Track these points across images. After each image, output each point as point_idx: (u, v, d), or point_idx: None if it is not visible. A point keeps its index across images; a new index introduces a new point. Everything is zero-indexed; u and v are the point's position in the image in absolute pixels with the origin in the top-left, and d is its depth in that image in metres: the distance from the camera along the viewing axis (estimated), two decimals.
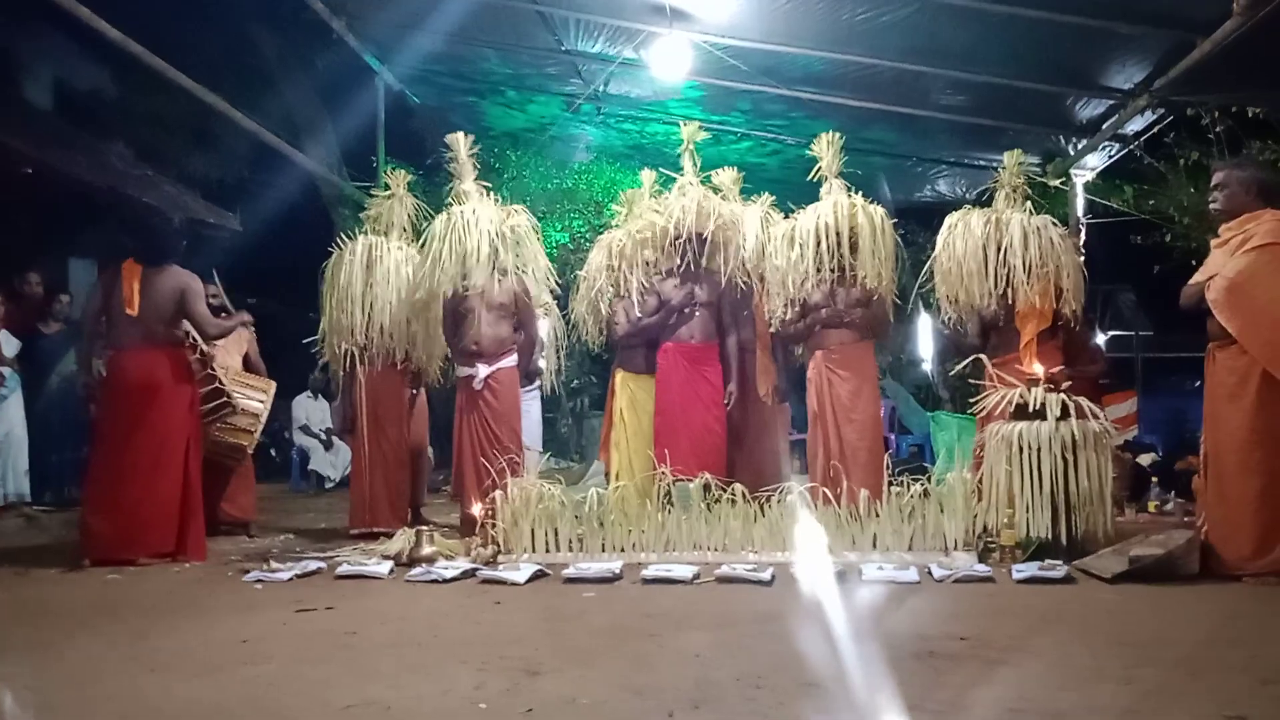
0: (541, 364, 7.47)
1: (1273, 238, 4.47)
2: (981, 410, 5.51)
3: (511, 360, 6.23)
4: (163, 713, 2.71)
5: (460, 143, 6.37)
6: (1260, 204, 4.61)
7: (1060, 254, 5.84)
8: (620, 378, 6.71)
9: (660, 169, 7.00)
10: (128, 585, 4.78)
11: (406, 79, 10.92)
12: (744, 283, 6.45)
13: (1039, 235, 5.83)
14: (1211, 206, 4.76)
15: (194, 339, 5.83)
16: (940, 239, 6.07)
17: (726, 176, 6.83)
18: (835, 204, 6.10)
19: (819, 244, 6.01)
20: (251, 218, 12.09)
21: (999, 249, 5.83)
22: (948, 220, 6.08)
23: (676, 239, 6.41)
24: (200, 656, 3.31)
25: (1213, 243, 4.76)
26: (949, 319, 6.14)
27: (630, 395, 6.59)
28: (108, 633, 3.71)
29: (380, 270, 6.44)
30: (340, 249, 6.56)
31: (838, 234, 6.01)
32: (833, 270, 6.02)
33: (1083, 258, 6.29)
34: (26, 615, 4.14)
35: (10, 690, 2.93)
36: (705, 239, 6.41)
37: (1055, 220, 6.10)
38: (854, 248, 6.05)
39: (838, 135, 6.39)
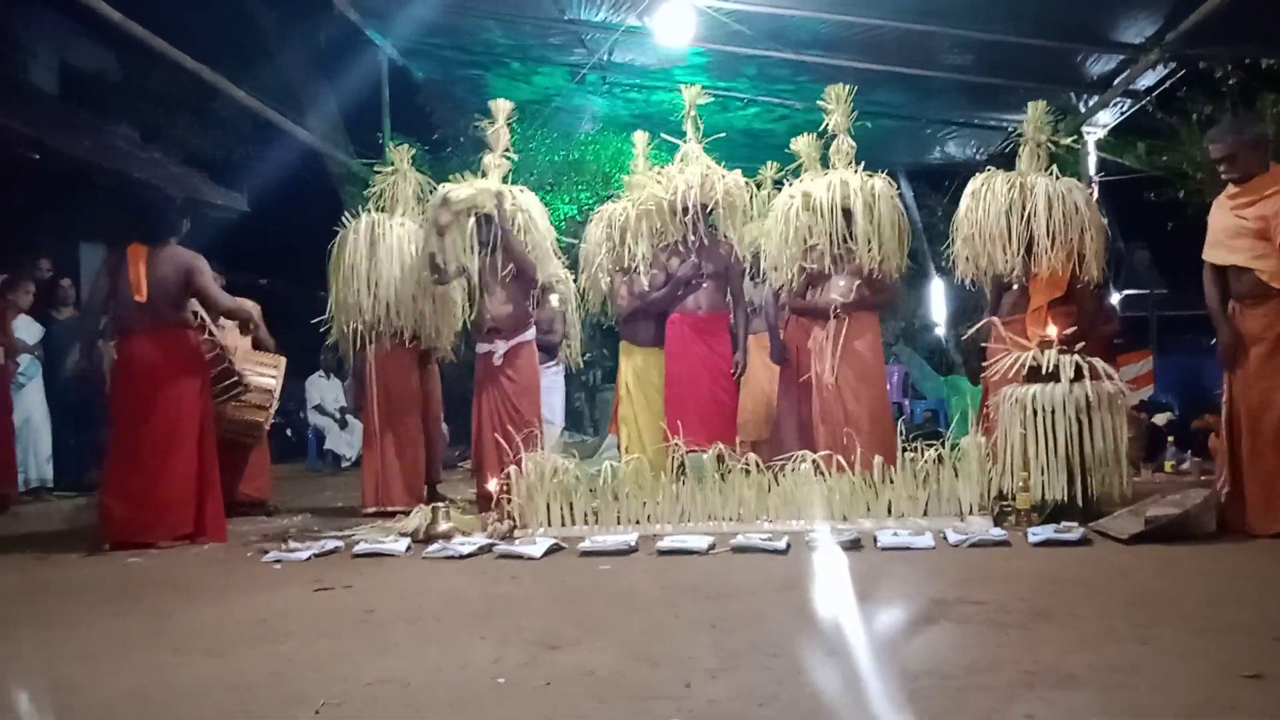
0: (561, 340, 7.49)
1: None
2: (994, 374, 5.48)
3: (529, 335, 6.26)
4: (184, 691, 2.74)
5: (500, 109, 6.36)
6: (1269, 159, 4.55)
7: (1085, 219, 5.70)
8: (624, 350, 6.70)
9: (665, 137, 6.94)
10: (148, 567, 4.83)
11: (409, 53, 10.83)
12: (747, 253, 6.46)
13: (1063, 200, 5.68)
14: (1227, 177, 4.64)
15: (203, 319, 5.84)
16: (963, 202, 5.92)
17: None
18: (829, 184, 6.03)
19: (814, 220, 5.97)
20: (258, 197, 12.09)
21: (1023, 214, 5.68)
22: (971, 183, 5.94)
23: (682, 210, 6.33)
24: (221, 635, 3.34)
25: (1221, 204, 4.66)
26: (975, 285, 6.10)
27: (635, 368, 6.57)
28: (129, 613, 3.75)
29: (384, 247, 6.43)
30: (345, 227, 6.55)
31: (832, 211, 5.95)
32: (833, 246, 5.99)
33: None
34: (48, 598, 4.18)
35: (32, 669, 2.97)
36: (710, 209, 6.38)
37: (1080, 184, 6.00)
38: (850, 225, 5.99)
39: (848, 88, 6.29)
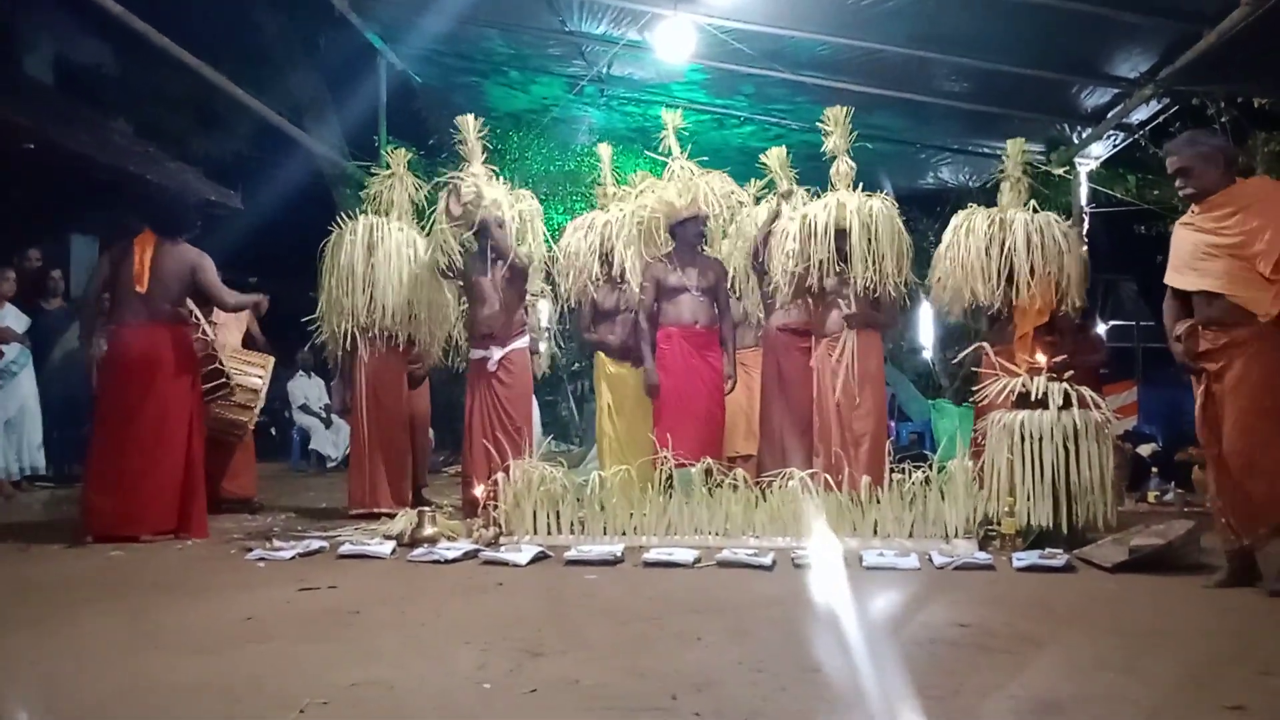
0: (541, 347, 7.47)
1: None
2: (983, 399, 5.51)
3: (524, 341, 6.25)
4: (167, 690, 2.72)
5: (469, 125, 6.34)
6: (1231, 175, 4.20)
7: (1064, 251, 5.93)
8: (599, 360, 6.69)
9: (652, 155, 6.97)
10: (130, 562, 4.80)
11: (409, 59, 10.85)
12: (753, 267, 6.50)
13: (1042, 234, 5.92)
14: (1185, 194, 4.26)
15: (197, 317, 5.83)
16: (946, 238, 6.15)
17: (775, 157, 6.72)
18: (826, 204, 6.06)
19: (811, 239, 6.00)
20: (253, 196, 12.07)
21: (1003, 249, 5.92)
22: (954, 221, 6.13)
23: (690, 218, 6.33)
24: (204, 634, 3.32)
25: (1186, 225, 4.28)
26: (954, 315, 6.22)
27: (615, 384, 6.56)
28: (111, 610, 3.73)
29: (382, 251, 6.40)
30: (340, 228, 6.53)
31: (830, 231, 5.96)
32: (833, 263, 6.02)
33: (1085, 247, 6.30)
34: (30, 592, 4.15)
35: (14, 666, 2.95)
36: (706, 223, 6.40)
37: (1059, 218, 6.15)
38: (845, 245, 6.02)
39: (847, 110, 6.33)
